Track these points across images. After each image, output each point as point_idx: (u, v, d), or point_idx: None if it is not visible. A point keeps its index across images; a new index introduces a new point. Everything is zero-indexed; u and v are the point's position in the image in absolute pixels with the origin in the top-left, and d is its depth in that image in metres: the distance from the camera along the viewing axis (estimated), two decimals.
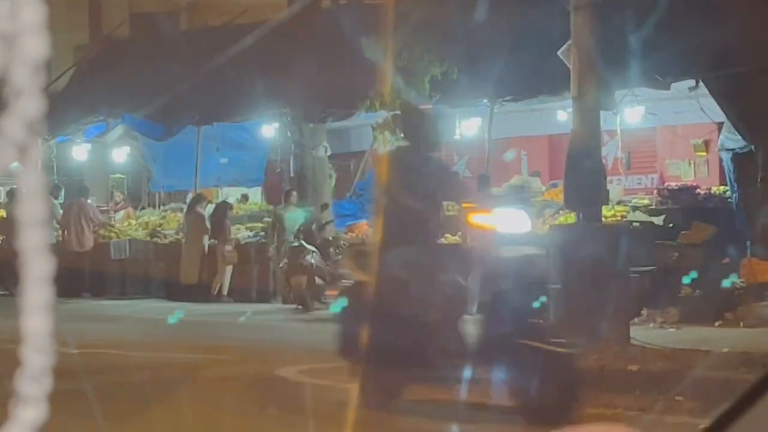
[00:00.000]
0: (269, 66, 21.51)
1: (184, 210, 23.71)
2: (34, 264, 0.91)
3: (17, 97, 0.89)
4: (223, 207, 23.05)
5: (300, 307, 19.95)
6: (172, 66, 22.38)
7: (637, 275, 14.59)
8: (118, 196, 27.98)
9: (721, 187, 20.26)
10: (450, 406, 9.46)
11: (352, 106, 21.12)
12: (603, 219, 14.13)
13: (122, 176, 29.52)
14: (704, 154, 23.71)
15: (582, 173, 12.47)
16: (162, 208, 27.02)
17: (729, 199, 19.16)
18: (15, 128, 0.89)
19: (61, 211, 24.08)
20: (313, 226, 20.65)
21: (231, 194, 27.34)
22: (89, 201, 25.11)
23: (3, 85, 0.91)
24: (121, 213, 26.46)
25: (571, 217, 15.73)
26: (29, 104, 0.89)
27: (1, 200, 27.18)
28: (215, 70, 21.52)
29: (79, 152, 27.13)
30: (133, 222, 25.31)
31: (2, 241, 23.59)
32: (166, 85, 21.86)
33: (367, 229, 20.86)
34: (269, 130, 25.08)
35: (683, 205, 19.33)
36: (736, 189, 18.69)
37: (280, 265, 20.93)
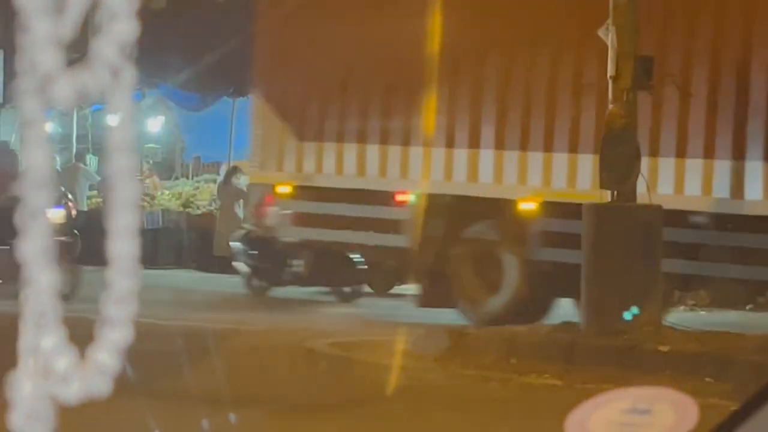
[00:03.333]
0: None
1: (219, 181, 23.72)
2: (121, 188, 0.92)
3: (111, 20, 0.90)
4: None
5: None
6: (208, 36, 22.40)
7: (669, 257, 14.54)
8: (144, 166, 28.04)
9: None
10: None
11: None
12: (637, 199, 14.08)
13: (156, 146, 29.57)
14: None
15: (617, 153, 12.44)
16: (195, 178, 27.06)
17: None
18: (108, 50, 0.89)
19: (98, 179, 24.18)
20: None
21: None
22: None
23: (97, 9, 0.92)
24: (147, 182, 26.51)
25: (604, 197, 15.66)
26: (123, 27, 0.90)
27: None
28: (251, 41, 21.52)
29: (114, 121, 27.20)
30: (163, 192, 25.35)
31: None
32: (201, 55, 21.88)
33: None
34: None
35: None
36: None
37: None
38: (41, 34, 0.88)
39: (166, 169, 28.75)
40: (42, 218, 0.88)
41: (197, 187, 25.49)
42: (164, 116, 27.84)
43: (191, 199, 24.59)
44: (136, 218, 0.93)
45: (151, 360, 10.04)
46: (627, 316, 11.27)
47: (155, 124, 28.39)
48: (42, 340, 0.90)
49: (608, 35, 12.54)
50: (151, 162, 27.57)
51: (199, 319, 13.85)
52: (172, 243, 23.78)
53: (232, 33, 21.51)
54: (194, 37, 22.96)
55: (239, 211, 22.60)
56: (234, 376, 9.84)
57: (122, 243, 0.93)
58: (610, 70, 12.57)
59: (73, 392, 0.92)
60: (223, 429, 7.73)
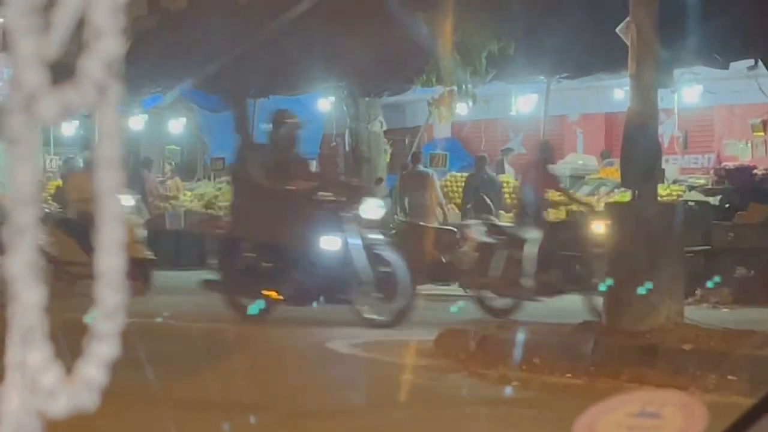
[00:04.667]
0: (325, 39, 21.52)
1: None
2: (108, 204, 0.93)
3: (97, 38, 0.91)
4: None
5: None
6: (229, 38, 22.46)
7: (691, 255, 14.51)
8: (167, 167, 28.13)
9: None
10: None
11: (408, 81, 21.13)
12: (658, 198, 14.05)
13: (176, 147, 29.65)
14: (762, 134, 23.50)
15: (638, 151, 12.40)
16: (217, 180, 27.14)
17: None
18: (95, 68, 0.90)
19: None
20: None
21: None
22: (150, 173, 25.29)
23: (83, 26, 0.93)
24: (169, 183, 26.60)
25: (626, 196, 15.65)
26: (109, 45, 0.91)
27: (57, 170, 27.37)
28: (271, 43, 21.58)
29: (136, 123, 27.30)
30: (186, 194, 25.43)
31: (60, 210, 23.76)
32: (222, 56, 21.94)
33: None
34: (325, 103, 25.10)
35: (740, 186, 19.16)
36: None
37: None
38: (27, 52, 0.88)
39: (189, 171, 28.84)
40: (29, 234, 0.89)
41: (219, 188, 25.55)
42: (186, 118, 27.92)
43: (213, 201, 24.66)
44: (122, 233, 0.94)
45: (171, 362, 10.09)
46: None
47: (177, 126, 28.46)
48: (28, 354, 0.91)
49: (628, 33, 12.51)
50: (173, 164, 27.64)
51: (219, 320, 13.88)
52: (194, 244, 23.82)
53: (253, 34, 21.55)
54: (215, 38, 23.00)
55: None
56: (254, 377, 9.86)
57: (110, 257, 0.94)
58: (630, 68, 12.54)
59: (60, 406, 0.92)
60: (243, 431, 7.75)
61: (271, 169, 14.45)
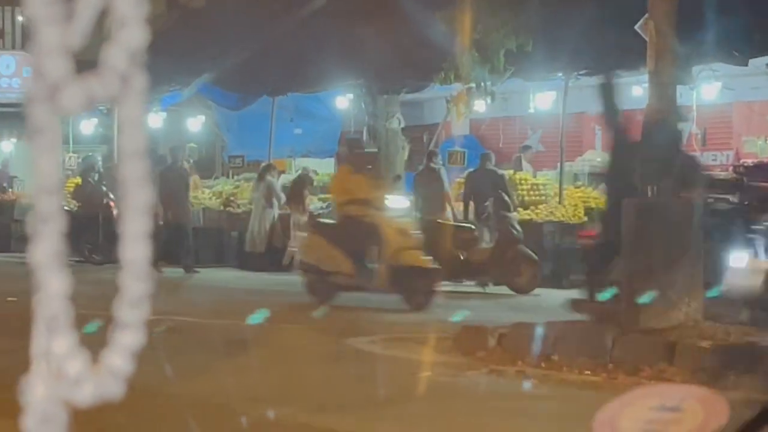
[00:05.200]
0: (343, 37, 21.53)
1: (254, 180, 23.83)
2: (133, 194, 0.93)
3: (120, 28, 0.91)
4: (304, 178, 23.13)
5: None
6: (247, 35, 22.49)
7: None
8: (185, 165, 28.18)
9: None
10: None
11: (426, 78, 21.12)
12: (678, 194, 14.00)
13: (194, 145, 29.70)
14: None
15: (657, 148, 12.37)
16: (235, 177, 27.18)
17: None
18: (118, 59, 0.90)
19: None
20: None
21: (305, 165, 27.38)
22: None
23: (107, 15, 0.93)
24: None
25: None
26: (132, 35, 0.91)
27: (75, 167, 27.41)
28: (290, 40, 21.59)
29: (155, 121, 27.35)
30: (204, 192, 25.46)
31: (78, 208, 23.82)
32: (240, 54, 21.97)
33: None
34: (343, 101, 25.11)
35: (759, 183, 19.09)
36: None
37: None
38: (50, 42, 0.89)
39: (207, 168, 28.88)
40: (53, 223, 0.89)
41: (237, 186, 25.59)
42: (204, 116, 27.96)
43: (231, 198, 24.70)
44: (148, 223, 0.94)
45: (192, 357, 10.12)
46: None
47: (195, 124, 28.52)
48: (54, 343, 0.91)
49: (647, 30, 12.49)
50: (191, 161, 27.68)
51: (239, 317, 13.90)
52: (213, 242, 23.90)
53: (271, 31, 21.57)
54: (234, 35, 23.04)
55: (273, 208, 22.72)
56: (274, 373, 9.87)
57: (135, 247, 0.94)
58: (649, 66, 12.51)
59: (85, 395, 0.93)
60: (261, 426, 7.76)
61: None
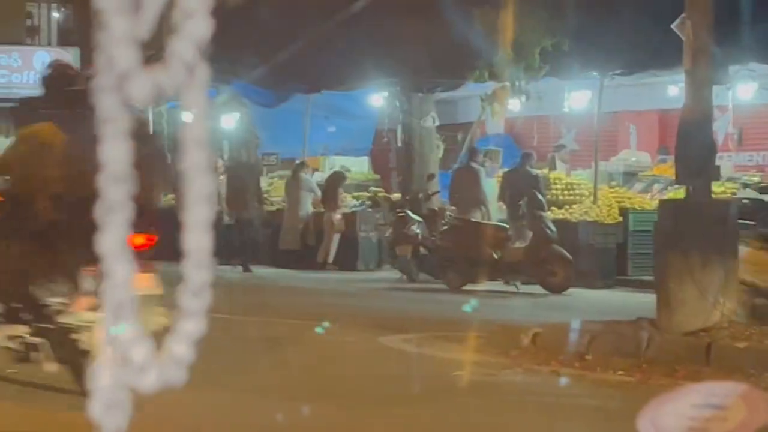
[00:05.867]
0: (379, 35, 21.53)
1: (287, 177, 23.85)
2: (197, 183, 0.94)
3: (186, 19, 0.92)
4: (338, 176, 23.17)
5: (404, 276, 20.03)
6: (283, 33, 22.52)
7: None
8: (220, 162, 28.24)
9: None
10: None
11: (461, 77, 21.10)
12: (713, 195, 13.94)
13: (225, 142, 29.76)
14: None
15: (693, 148, 12.32)
16: (269, 175, 27.22)
17: None
18: (183, 48, 0.92)
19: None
20: (420, 196, 20.68)
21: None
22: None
23: (173, 7, 0.94)
24: (221, 178, 26.70)
25: (680, 193, 15.56)
26: (198, 26, 0.92)
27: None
28: (326, 38, 21.62)
29: (189, 118, 27.39)
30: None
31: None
32: (276, 51, 22.01)
33: None
34: (377, 99, 25.11)
35: None
36: None
37: (386, 235, 21.06)
38: (119, 32, 0.90)
39: None
40: (121, 212, 0.90)
41: (271, 183, 25.63)
42: (239, 113, 28.01)
43: (265, 195, 24.74)
44: (210, 212, 0.95)
45: (226, 354, 10.15)
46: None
47: (230, 121, 28.58)
48: (120, 330, 0.93)
49: (683, 30, 12.43)
50: (226, 159, 27.73)
51: (273, 314, 13.94)
52: (247, 239, 23.91)
53: (307, 29, 21.60)
54: (269, 33, 23.07)
55: (307, 206, 22.74)
56: (306, 371, 9.89)
57: (197, 236, 0.95)
58: (686, 65, 12.46)
59: (149, 382, 0.94)
60: (295, 421, 7.78)
61: None
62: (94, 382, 0.93)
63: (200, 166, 0.94)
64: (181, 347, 0.94)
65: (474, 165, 20.96)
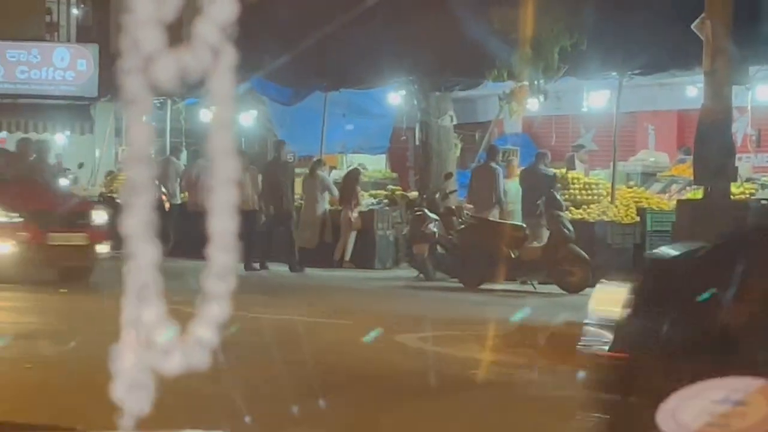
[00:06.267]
0: (397, 33, 21.53)
1: (304, 175, 23.84)
2: (221, 167, 0.94)
3: (211, 2, 0.92)
4: (355, 173, 23.17)
5: (421, 275, 20.02)
6: (301, 30, 22.53)
7: None
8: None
9: None
10: None
11: (479, 75, 21.08)
12: (731, 196, 13.91)
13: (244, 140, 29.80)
14: None
15: (711, 149, 12.31)
16: None
17: None
18: (209, 32, 0.91)
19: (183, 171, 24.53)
20: (437, 195, 20.67)
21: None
22: (178, 160, 25.48)
23: None
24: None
25: (698, 193, 15.54)
26: (223, 9, 0.92)
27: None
28: (343, 36, 21.62)
29: (207, 115, 27.43)
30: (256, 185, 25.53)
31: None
32: (295, 49, 22.02)
33: None
34: (395, 97, 25.08)
35: None
36: None
37: (403, 233, 21.07)
38: (145, 15, 0.90)
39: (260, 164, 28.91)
40: (145, 193, 0.90)
41: None
42: (257, 110, 28.03)
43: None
44: (235, 196, 0.95)
45: (243, 350, 10.16)
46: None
47: (247, 118, 28.61)
48: (144, 312, 0.92)
49: (703, 30, 12.42)
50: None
51: (289, 311, 13.95)
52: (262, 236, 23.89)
53: (325, 26, 21.61)
54: (288, 30, 23.09)
55: (323, 203, 22.75)
56: (321, 368, 9.90)
57: (222, 220, 0.95)
58: (705, 65, 12.45)
59: (173, 364, 0.94)
60: (311, 415, 7.79)
61: None
62: (119, 364, 0.93)
63: (225, 150, 0.94)
64: (205, 330, 0.94)
65: (492, 164, 20.94)
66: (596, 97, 22.61)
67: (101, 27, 31.89)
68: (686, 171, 19.03)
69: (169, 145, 26.15)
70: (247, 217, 20.08)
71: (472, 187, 21.04)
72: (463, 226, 19.29)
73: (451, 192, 21.40)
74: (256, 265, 20.84)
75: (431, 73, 21.98)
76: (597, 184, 20.91)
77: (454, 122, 23.45)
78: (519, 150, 23.59)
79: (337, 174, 24.63)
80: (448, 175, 22.06)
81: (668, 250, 5.66)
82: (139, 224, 0.89)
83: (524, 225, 19.02)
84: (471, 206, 20.71)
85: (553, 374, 10.17)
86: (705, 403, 1.96)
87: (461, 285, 18.46)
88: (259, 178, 22.07)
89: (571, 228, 18.31)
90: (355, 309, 14.48)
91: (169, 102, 26.45)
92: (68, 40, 33.69)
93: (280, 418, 7.76)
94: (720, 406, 1.96)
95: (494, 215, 20.04)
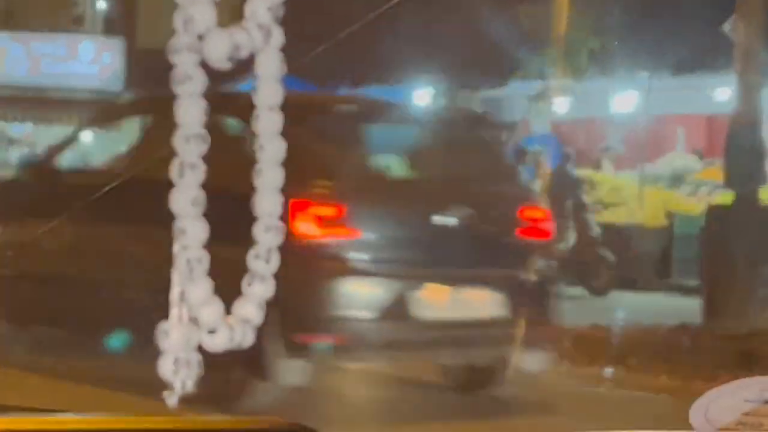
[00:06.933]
0: (424, 31, 21.54)
1: None
2: (267, 147, 0.94)
3: None
4: None
5: None
6: (326, 24, 22.54)
7: None
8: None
9: None
10: None
11: (506, 75, 21.07)
12: (762, 201, 13.85)
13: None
14: None
15: (742, 153, 12.25)
16: None
17: None
18: (261, 11, 0.92)
19: None
20: None
21: None
22: None
23: None
24: None
25: (728, 197, 15.48)
26: None
27: None
28: (369, 32, 21.64)
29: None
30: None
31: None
32: (318, 43, 22.03)
33: None
34: (421, 95, 25.05)
35: None
36: None
37: None
38: None
39: None
40: (195, 171, 0.90)
41: None
42: None
43: None
44: (281, 176, 0.96)
45: None
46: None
47: None
48: (190, 290, 0.93)
49: (734, 31, 12.36)
50: None
51: None
52: None
53: (351, 22, 21.62)
54: (312, 23, 23.10)
55: None
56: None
57: (267, 200, 0.95)
58: (736, 67, 12.39)
59: (218, 342, 0.94)
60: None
61: None
62: (164, 342, 0.94)
63: (272, 130, 0.94)
64: (250, 309, 0.94)
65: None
66: (624, 99, 22.55)
67: (127, 20, 31.87)
68: (715, 174, 18.95)
69: None
70: None
71: None
72: None
73: None
74: None
75: (458, 71, 21.98)
76: (624, 187, 20.85)
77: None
78: (546, 150, 23.53)
79: None
80: None
81: None
82: (189, 201, 0.89)
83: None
84: None
85: (577, 378, 10.15)
86: (737, 402, 1.95)
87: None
88: None
89: (597, 230, 18.25)
90: None
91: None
92: (94, 33, 33.68)
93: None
94: (752, 404, 1.95)
95: None
